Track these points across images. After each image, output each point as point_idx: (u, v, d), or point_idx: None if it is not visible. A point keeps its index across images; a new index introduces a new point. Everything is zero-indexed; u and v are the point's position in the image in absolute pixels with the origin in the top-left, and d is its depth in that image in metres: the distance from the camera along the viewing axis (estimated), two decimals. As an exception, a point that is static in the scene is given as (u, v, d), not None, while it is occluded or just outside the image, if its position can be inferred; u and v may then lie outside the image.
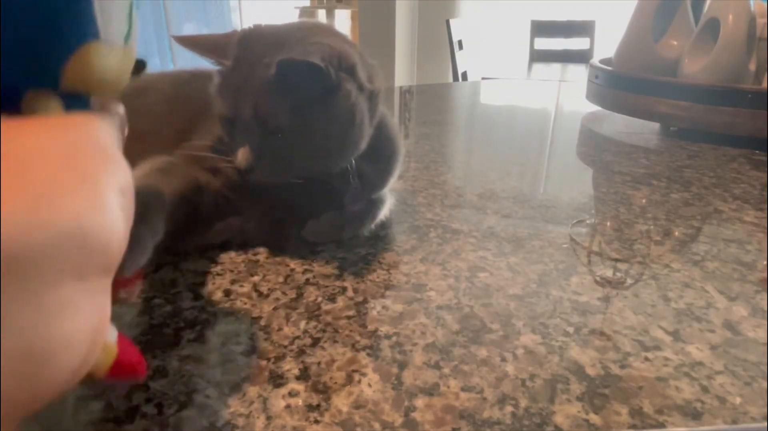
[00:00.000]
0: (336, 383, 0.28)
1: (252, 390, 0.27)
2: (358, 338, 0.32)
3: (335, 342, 0.31)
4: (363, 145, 0.42)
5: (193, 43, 0.39)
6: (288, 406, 0.26)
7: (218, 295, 0.36)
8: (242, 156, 0.38)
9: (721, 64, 0.82)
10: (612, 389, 0.28)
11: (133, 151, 0.42)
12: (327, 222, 0.44)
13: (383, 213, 0.47)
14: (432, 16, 3.44)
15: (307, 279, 0.38)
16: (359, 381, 0.28)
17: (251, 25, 0.41)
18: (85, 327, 0.15)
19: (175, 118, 0.48)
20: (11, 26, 0.17)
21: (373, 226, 0.46)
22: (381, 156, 0.46)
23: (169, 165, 0.41)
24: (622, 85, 0.91)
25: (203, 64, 0.41)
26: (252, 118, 0.38)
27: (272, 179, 0.40)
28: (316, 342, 0.31)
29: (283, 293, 0.36)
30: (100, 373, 0.21)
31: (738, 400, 0.27)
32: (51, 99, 0.19)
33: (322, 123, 0.38)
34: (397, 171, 0.49)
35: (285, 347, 0.31)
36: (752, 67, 0.85)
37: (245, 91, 0.38)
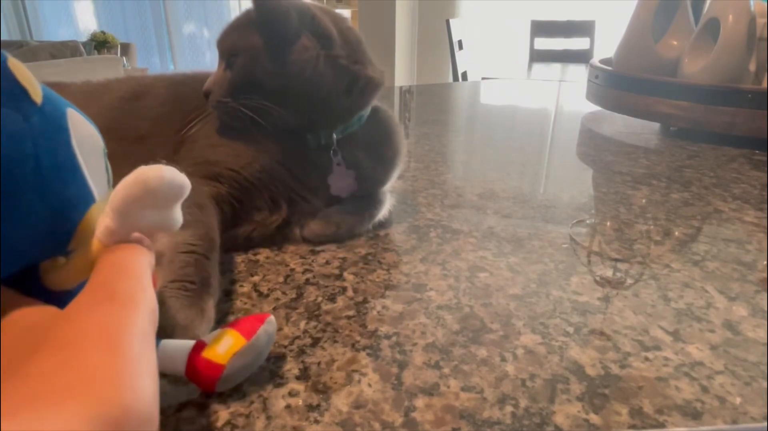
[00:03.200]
0: (336, 383, 0.28)
1: (252, 390, 0.27)
2: (358, 338, 0.32)
3: (335, 342, 0.31)
4: (323, 107, 0.43)
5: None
6: (288, 406, 0.26)
7: (218, 295, 0.36)
8: (208, 81, 0.44)
9: (721, 64, 0.82)
10: (612, 389, 0.28)
11: (133, 154, 0.43)
12: (325, 222, 0.44)
13: (382, 213, 0.47)
14: (432, 16, 3.44)
15: (307, 279, 0.38)
16: (359, 381, 0.28)
17: None
18: None
19: (173, 120, 0.48)
20: (30, 225, 0.19)
21: (371, 225, 0.46)
22: (381, 151, 0.47)
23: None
24: (622, 85, 0.91)
25: (202, 65, 0.42)
26: (225, 49, 0.44)
27: (230, 109, 0.43)
28: (316, 342, 0.31)
29: (283, 293, 0.36)
30: (242, 343, 0.26)
31: (738, 400, 0.27)
32: (59, 258, 0.22)
33: (278, 65, 0.42)
34: (399, 168, 0.49)
35: (285, 347, 0.31)
36: (752, 67, 0.85)
37: (230, 28, 0.44)
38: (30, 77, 0.19)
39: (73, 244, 0.21)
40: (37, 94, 0.20)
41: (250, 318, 0.27)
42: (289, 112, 0.42)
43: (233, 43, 0.44)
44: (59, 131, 0.20)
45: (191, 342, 0.26)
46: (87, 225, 0.21)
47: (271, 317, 0.27)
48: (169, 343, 0.25)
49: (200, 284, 0.32)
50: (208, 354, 0.25)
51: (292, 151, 0.44)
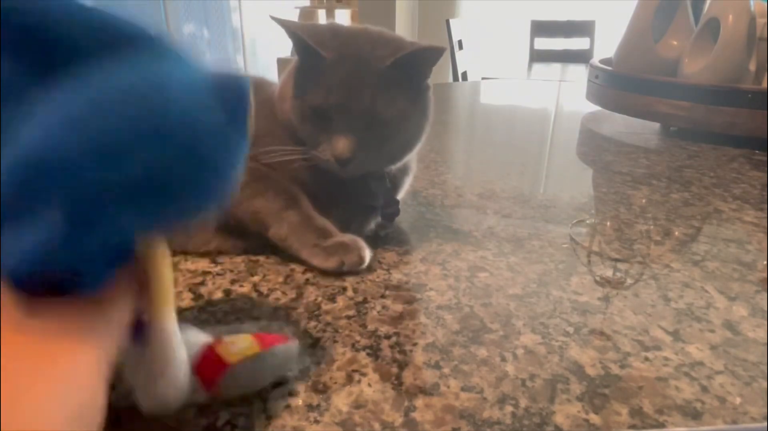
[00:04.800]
0: (336, 383, 0.28)
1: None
2: (358, 338, 0.32)
3: (335, 342, 0.31)
4: (422, 141, 0.44)
5: (294, 27, 0.40)
6: (288, 406, 0.26)
7: (218, 295, 0.36)
8: (344, 145, 0.39)
9: (721, 64, 0.82)
10: (612, 389, 0.28)
11: None
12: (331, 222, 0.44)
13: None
14: (432, 16, 3.44)
15: (307, 279, 0.38)
16: (359, 381, 0.28)
17: (330, 22, 0.45)
18: None
19: None
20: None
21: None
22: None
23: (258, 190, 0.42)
24: (622, 85, 0.91)
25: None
26: (363, 109, 0.39)
27: (364, 169, 0.42)
28: (316, 342, 0.31)
29: (283, 293, 0.36)
30: (254, 350, 0.25)
31: (738, 400, 0.27)
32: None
33: (418, 114, 0.42)
34: (410, 178, 0.49)
35: (285, 347, 0.31)
36: (752, 67, 0.85)
37: (356, 82, 0.39)
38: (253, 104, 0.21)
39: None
40: (252, 121, 0.22)
41: (276, 335, 0.27)
42: (406, 155, 0.45)
43: (386, 102, 0.40)
44: (240, 151, 0.22)
45: (210, 338, 0.26)
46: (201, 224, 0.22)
47: (295, 341, 0.27)
48: (192, 333, 0.25)
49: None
50: (220, 349, 0.25)
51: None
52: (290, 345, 0.27)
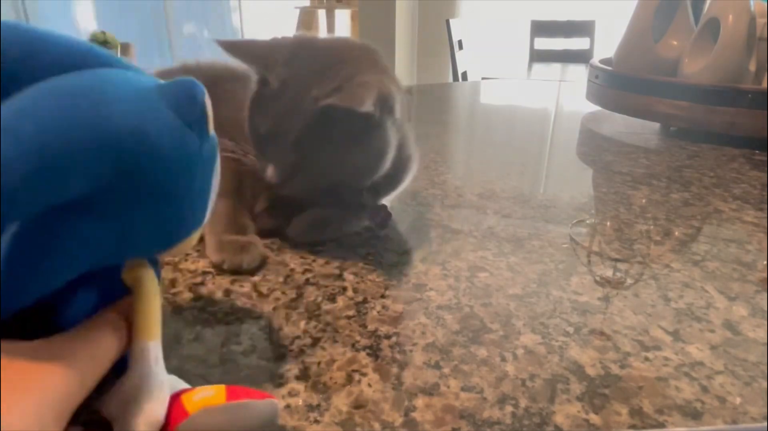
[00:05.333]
0: (336, 383, 0.28)
1: (252, 390, 0.27)
2: (358, 338, 0.32)
3: (335, 342, 0.31)
4: (386, 168, 0.43)
5: (237, 48, 0.39)
6: (288, 406, 0.26)
7: (218, 295, 0.36)
8: (272, 173, 0.39)
9: (721, 64, 0.82)
10: (612, 389, 0.28)
11: None
12: (310, 221, 0.44)
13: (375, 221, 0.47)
14: (432, 16, 3.44)
15: (307, 279, 0.38)
16: (359, 381, 0.28)
17: (297, 36, 0.42)
18: None
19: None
20: (157, 229, 0.21)
21: (357, 228, 0.46)
22: (393, 169, 0.45)
23: None
24: (622, 85, 0.91)
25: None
26: (293, 143, 0.38)
27: (299, 195, 0.42)
28: (316, 342, 0.31)
29: (283, 293, 0.36)
30: (219, 400, 0.23)
31: (738, 400, 0.27)
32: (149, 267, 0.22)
33: (357, 155, 0.40)
34: (406, 183, 0.48)
35: (285, 347, 0.31)
36: (752, 67, 0.85)
37: (288, 118, 0.38)
38: (210, 107, 0.21)
39: (164, 256, 0.22)
40: (211, 124, 0.21)
41: (254, 391, 0.24)
42: (358, 183, 0.44)
43: (312, 145, 0.40)
44: (213, 160, 0.22)
45: (184, 387, 0.24)
46: (187, 243, 0.22)
47: (274, 401, 0.24)
48: (175, 380, 0.24)
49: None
50: (183, 397, 0.23)
51: None
52: (267, 403, 0.24)
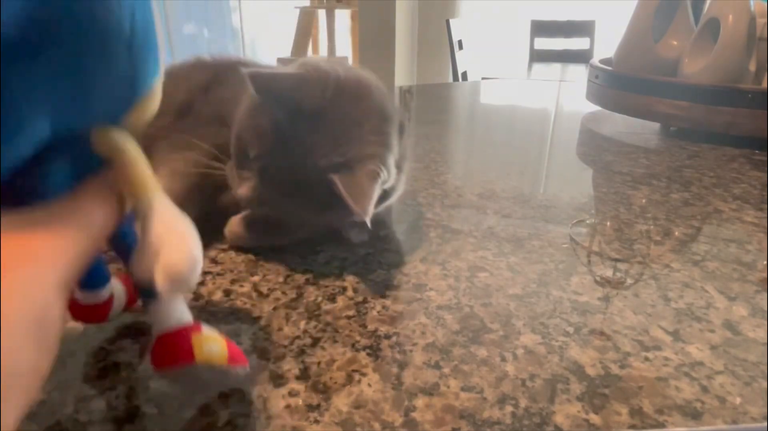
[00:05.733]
0: (336, 383, 0.28)
1: (252, 390, 0.27)
2: (358, 338, 0.32)
3: (335, 342, 0.31)
4: None
5: (272, 81, 0.36)
6: (288, 406, 0.26)
7: (218, 295, 0.36)
8: (245, 192, 0.38)
9: (721, 64, 0.82)
10: (612, 389, 0.28)
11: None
12: (251, 222, 0.43)
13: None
14: (432, 16, 3.44)
15: (307, 279, 0.38)
16: (359, 381, 0.28)
17: (310, 68, 0.38)
18: None
19: (176, 95, 0.47)
20: (109, 81, 0.19)
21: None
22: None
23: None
24: (622, 85, 0.91)
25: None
26: (279, 192, 0.37)
27: (269, 214, 0.41)
28: (316, 342, 0.31)
29: (283, 293, 0.36)
30: (222, 361, 0.23)
31: (738, 400, 0.27)
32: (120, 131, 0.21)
33: (338, 213, 0.37)
34: (393, 199, 0.45)
35: (285, 347, 0.31)
36: (752, 67, 0.85)
37: (280, 160, 0.37)
38: None
39: (131, 119, 0.20)
40: None
41: (240, 352, 0.25)
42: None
43: (302, 204, 0.39)
44: None
45: (190, 320, 0.24)
46: (150, 97, 0.21)
47: (246, 365, 0.25)
48: (179, 304, 0.24)
49: None
50: (195, 340, 0.23)
51: None
52: (244, 368, 0.25)
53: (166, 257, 0.20)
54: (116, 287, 0.28)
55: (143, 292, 0.24)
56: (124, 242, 0.23)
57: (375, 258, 0.42)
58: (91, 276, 0.26)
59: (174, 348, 0.23)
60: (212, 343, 0.24)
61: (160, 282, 0.20)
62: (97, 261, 0.26)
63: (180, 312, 0.24)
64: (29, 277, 0.16)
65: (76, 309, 0.27)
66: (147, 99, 0.21)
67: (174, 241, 0.21)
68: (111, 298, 0.28)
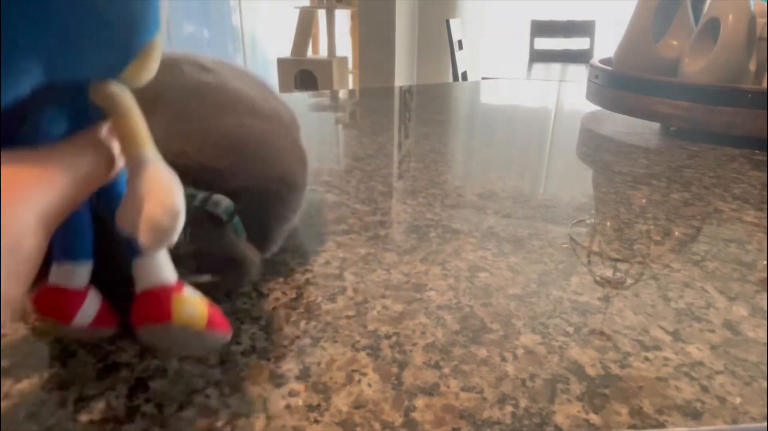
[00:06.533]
0: (336, 383, 0.28)
1: (252, 390, 0.27)
2: (358, 338, 0.32)
3: (335, 342, 0.31)
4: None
5: None
6: (288, 406, 0.26)
7: (218, 295, 0.36)
8: None
9: (721, 64, 0.82)
10: (612, 389, 0.28)
11: None
12: None
13: None
14: (432, 16, 3.44)
15: (307, 279, 0.38)
16: (359, 381, 0.28)
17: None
18: None
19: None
20: (102, 29, 0.18)
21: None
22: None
23: None
24: (622, 85, 0.91)
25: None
26: None
27: None
28: (316, 342, 0.31)
29: (283, 293, 0.36)
30: (200, 325, 0.22)
31: (738, 400, 0.27)
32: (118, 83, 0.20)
33: None
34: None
35: (285, 347, 0.31)
36: (752, 67, 0.85)
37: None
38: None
39: (130, 74, 0.20)
40: None
41: (223, 318, 0.24)
42: None
43: None
44: None
45: (174, 280, 0.23)
46: (149, 52, 0.20)
47: (228, 330, 0.24)
48: (165, 261, 0.23)
49: None
50: (175, 299, 0.23)
51: None
52: (225, 334, 0.24)
53: (148, 210, 0.20)
54: (93, 292, 0.27)
55: (127, 248, 0.23)
56: (115, 202, 0.23)
57: (375, 258, 0.42)
58: (73, 242, 0.25)
59: (152, 307, 0.22)
60: (191, 305, 0.23)
61: (142, 235, 0.20)
62: (81, 229, 0.25)
63: (163, 271, 0.23)
64: (4, 205, 0.16)
65: (43, 297, 0.25)
66: (146, 54, 0.20)
67: (158, 196, 0.20)
68: (85, 292, 0.26)
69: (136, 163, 0.21)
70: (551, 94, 1.32)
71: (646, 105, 0.86)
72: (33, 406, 0.25)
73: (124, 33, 0.19)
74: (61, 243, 0.24)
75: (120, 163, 0.22)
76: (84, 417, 0.25)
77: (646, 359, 0.30)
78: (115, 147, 0.21)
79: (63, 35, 0.18)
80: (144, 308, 0.23)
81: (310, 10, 3.74)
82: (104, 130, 0.21)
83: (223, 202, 0.32)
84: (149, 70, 0.21)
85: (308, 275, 0.39)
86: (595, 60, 1.04)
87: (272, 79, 3.86)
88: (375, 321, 0.33)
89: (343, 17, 3.96)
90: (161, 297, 0.23)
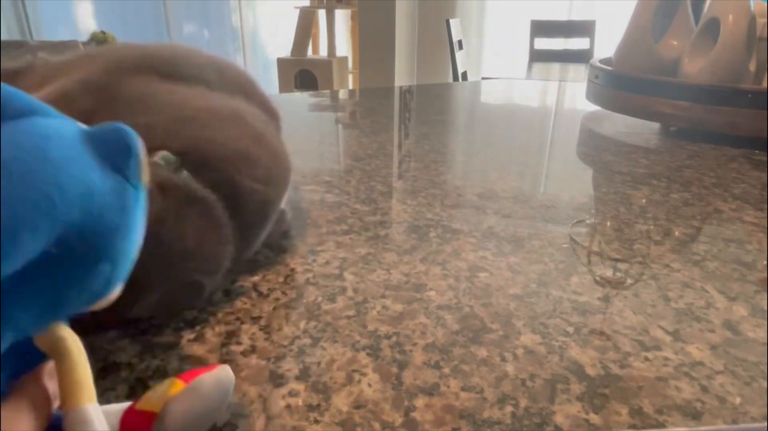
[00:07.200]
0: (336, 383, 0.28)
1: (252, 390, 0.27)
2: (358, 338, 0.32)
3: (335, 342, 0.31)
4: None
5: None
6: (288, 406, 0.26)
7: (218, 295, 0.36)
8: None
9: (721, 64, 0.82)
10: (612, 389, 0.28)
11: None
12: None
13: None
14: (432, 16, 3.44)
15: (307, 279, 0.38)
16: (359, 381, 0.28)
17: None
18: None
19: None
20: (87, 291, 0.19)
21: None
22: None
23: None
24: (622, 85, 0.91)
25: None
26: None
27: None
28: (316, 342, 0.31)
29: (283, 293, 0.36)
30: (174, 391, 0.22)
31: (738, 400, 0.27)
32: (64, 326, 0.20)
33: None
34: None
35: (285, 347, 0.31)
36: (752, 67, 0.85)
37: None
38: (145, 156, 0.20)
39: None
40: (146, 172, 0.20)
41: (202, 368, 0.24)
42: None
43: None
44: (144, 208, 0.20)
45: (129, 402, 0.23)
46: (111, 297, 0.20)
47: (225, 367, 0.24)
48: (109, 409, 0.22)
49: None
50: (140, 405, 0.22)
51: None
52: (220, 370, 0.23)
53: None
54: None
55: None
56: None
57: (375, 258, 0.42)
58: None
59: (133, 427, 0.21)
60: (157, 389, 0.22)
61: None
62: None
63: (113, 411, 0.22)
64: None
65: None
66: (108, 298, 0.20)
67: None
68: None
69: (78, 418, 0.19)
70: (551, 94, 1.32)
71: (646, 105, 0.86)
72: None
73: (104, 286, 0.19)
74: None
75: (55, 406, 0.20)
76: None
77: (646, 359, 0.30)
78: (53, 390, 0.20)
79: (52, 302, 0.18)
80: None
81: (310, 10, 3.74)
82: (42, 376, 0.20)
83: (164, 154, 0.31)
84: (100, 307, 0.20)
85: (308, 275, 0.39)
86: (595, 60, 1.04)
87: (272, 78, 3.86)
88: (375, 321, 0.33)
89: (343, 17, 3.96)
90: (129, 417, 0.22)
